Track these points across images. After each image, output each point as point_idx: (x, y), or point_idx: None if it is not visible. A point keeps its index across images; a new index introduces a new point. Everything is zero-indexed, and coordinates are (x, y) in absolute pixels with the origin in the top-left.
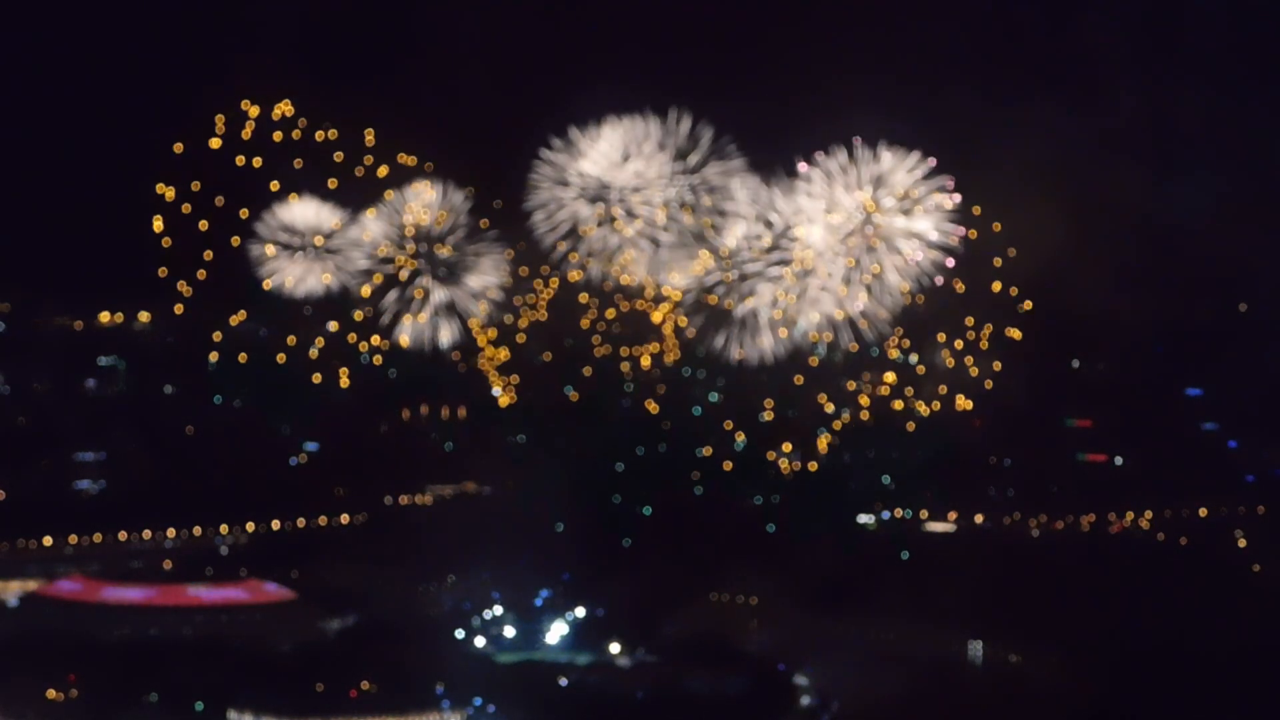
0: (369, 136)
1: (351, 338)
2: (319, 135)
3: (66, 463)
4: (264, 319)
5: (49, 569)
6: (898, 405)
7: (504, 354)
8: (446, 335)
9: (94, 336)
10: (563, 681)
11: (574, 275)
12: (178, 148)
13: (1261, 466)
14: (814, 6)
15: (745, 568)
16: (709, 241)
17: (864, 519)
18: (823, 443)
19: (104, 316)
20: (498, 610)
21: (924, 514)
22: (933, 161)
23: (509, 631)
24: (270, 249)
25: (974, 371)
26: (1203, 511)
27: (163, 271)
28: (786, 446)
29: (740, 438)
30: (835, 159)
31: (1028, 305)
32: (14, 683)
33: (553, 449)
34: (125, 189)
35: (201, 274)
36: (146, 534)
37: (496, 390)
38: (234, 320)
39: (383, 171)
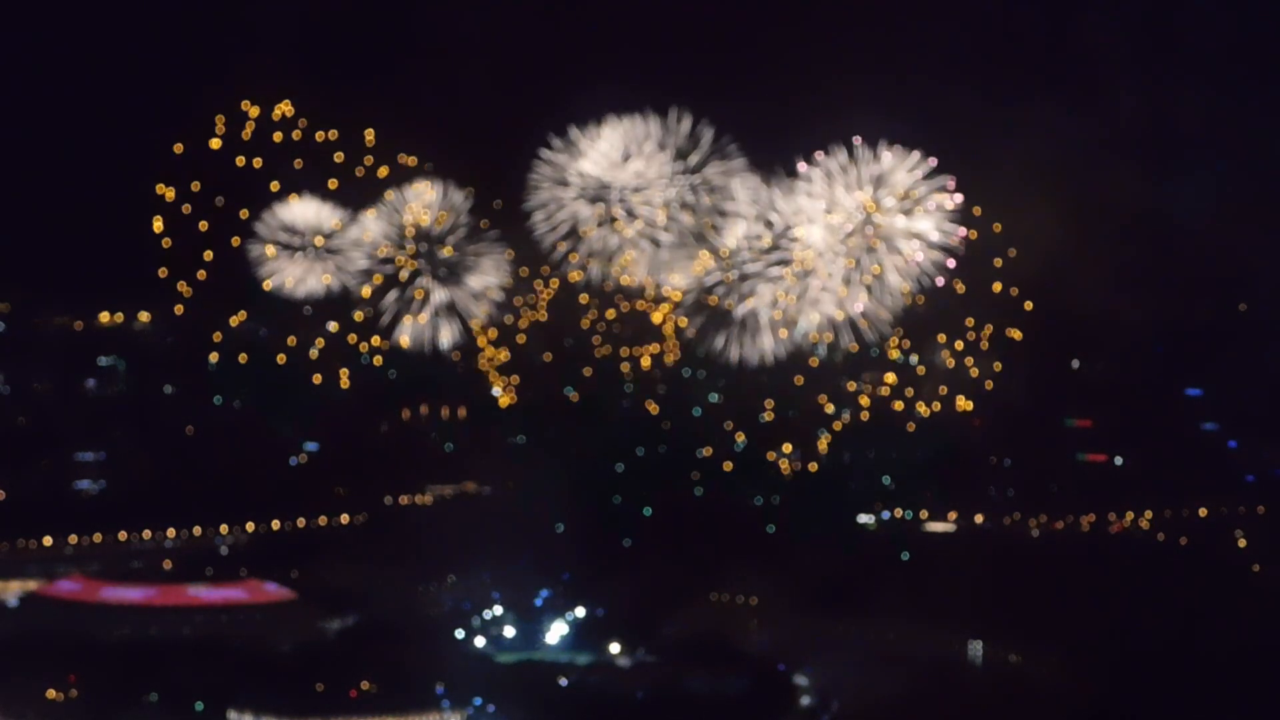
0: (369, 137)
1: (352, 338)
2: (319, 136)
3: (66, 463)
4: (264, 319)
5: (49, 569)
6: (898, 406)
7: (504, 354)
8: (447, 336)
9: (94, 336)
10: (563, 681)
11: (574, 276)
12: (178, 148)
13: (1261, 466)
14: (814, 6)
15: (745, 568)
16: (709, 242)
17: (864, 519)
18: (823, 443)
19: (104, 316)
20: (498, 610)
21: (924, 514)
22: (934, 161)
23: (509, 631)
24: (270, 249)
25: (974, 372)
26: (1203, 511)
27: (163, 272)
28: (787, 447)
29: (740, 438)
30: (835, 159)
31: (1028, 306)
32: (14, 683)
33: (553, 449)
34: (125, 189)
35: (202, 274)
36: (146, 534)
37: (497, 390)
38: (234, 321)
39: (383, 172)
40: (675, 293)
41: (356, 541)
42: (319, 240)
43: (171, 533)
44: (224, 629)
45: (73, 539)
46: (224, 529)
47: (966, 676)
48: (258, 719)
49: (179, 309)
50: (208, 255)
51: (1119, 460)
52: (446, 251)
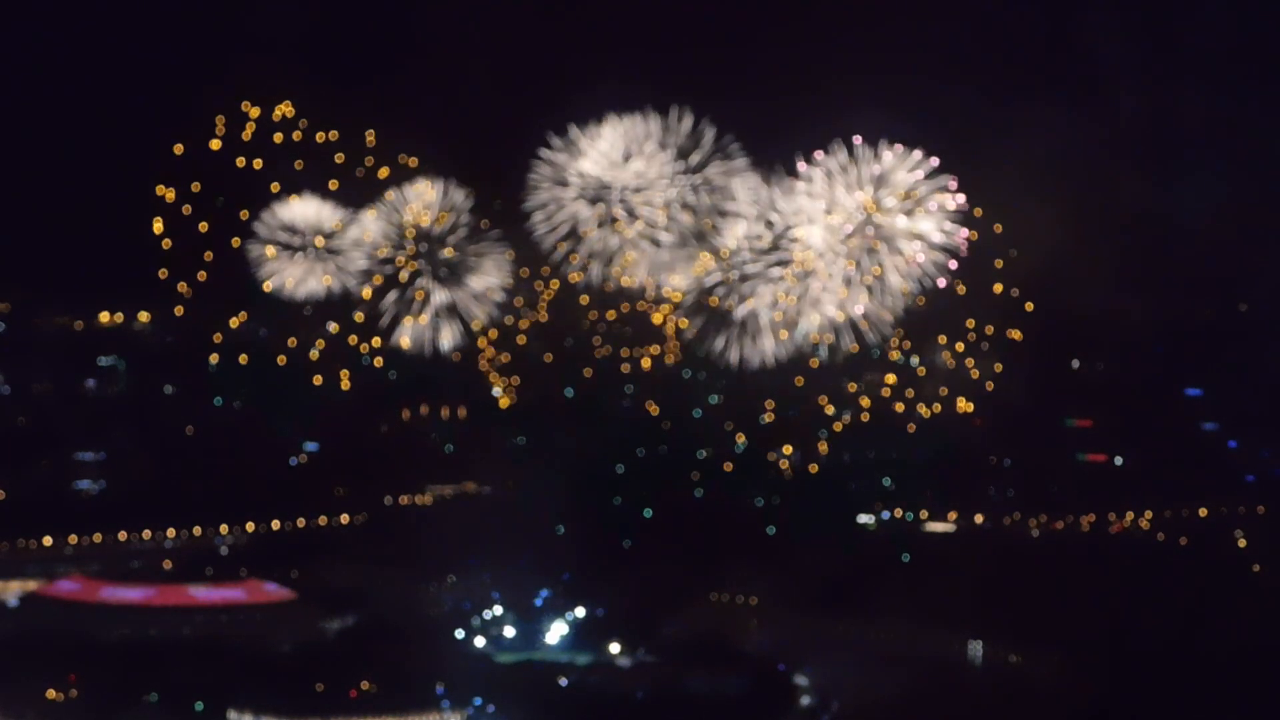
0: (369, 137)
1: (352, 339)
2: (319, 136)
3: (66, 463)
4: (264, 320)
5: (49, 569)
6: (899, 408)
7: (504, 355)
8: (447, 337)
9: (94, 336)
10: (563, 681)
11: (574, 276)
12: (178, 149)
13: (1261, 466)
14: (815, 5)
15: (745, 568)
16: (709, 242)
17: (864, 519)
18: (823, 444)
19: (104, 316)
20: (498, 610)
21: (924, 514)
22: (935, 161)
23: (509, 631)
24: (271, 250)
25: (975, 374)
26: (1203, 511)
27: (163, 273)
28: (787, 448)
29: (740, 439)
30: (836, 158)
31: (1029, 306)
32: (14, 683)
33: (553, 450)
34: (125, 189)
35: (202, 275)
36: (146, 534)
37: (497, 391)
38: (234, 323)
39: (384, 173)
40: (675, 293)
41: (356, 541)
42: (319, 241)
43: (171, 533)
44: (224, 629)
45: (73, 539)
46: (224, 529)
47: (966, 676)
48: (258, 719)
49: (179, 310)
50: (208, 256)
51: (1119, 460)
52: (447, 252)
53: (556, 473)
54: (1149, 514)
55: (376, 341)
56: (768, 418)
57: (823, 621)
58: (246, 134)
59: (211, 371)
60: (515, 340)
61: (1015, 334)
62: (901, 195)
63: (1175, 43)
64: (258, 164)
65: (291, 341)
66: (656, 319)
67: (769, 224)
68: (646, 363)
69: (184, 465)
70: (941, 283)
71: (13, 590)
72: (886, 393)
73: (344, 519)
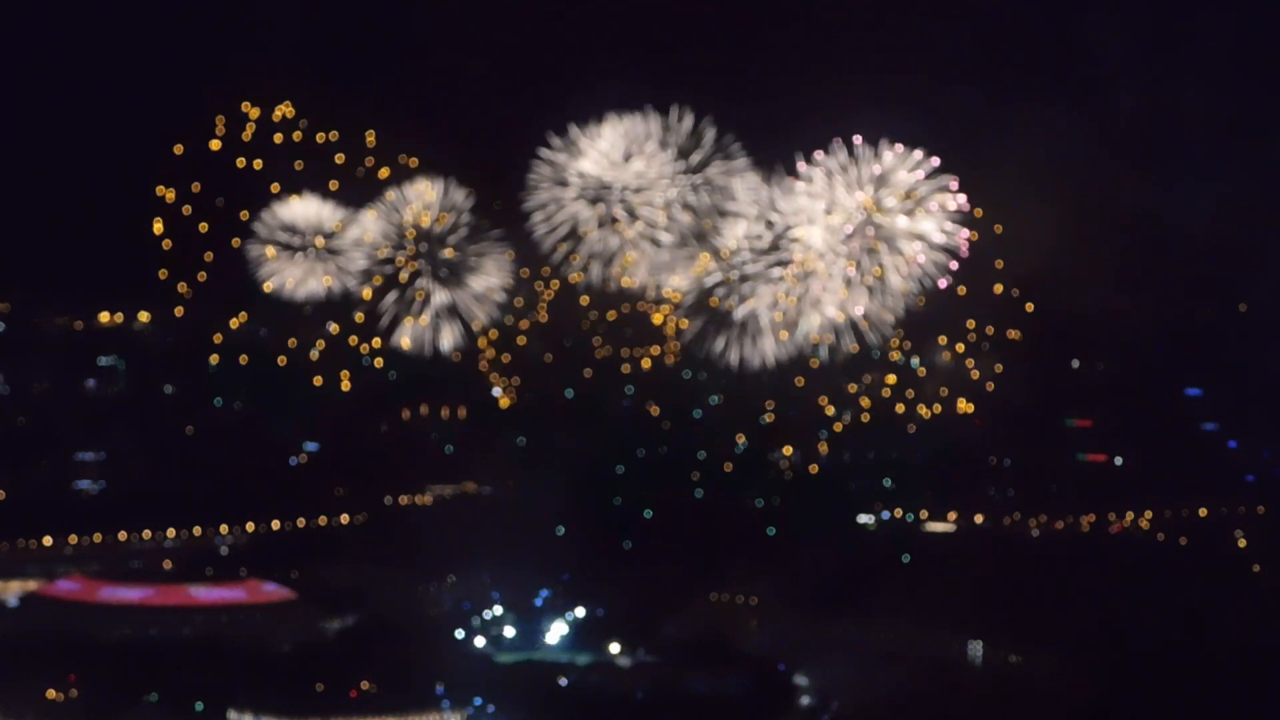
0: (370, 138)
1: (353, 340)
2: (319, 137)
3: (66, 463)
4: (264, 320)
5: (49, 569)
6: (900, 409)
7: (505, 355)
8: (447, 337)
9: (94, 336)
10: (563, 681)
11: (575, 277)
12: (178, 149)
13: (1261, 466)
14: (816, 4)
15: (745, 568)
16: (710, 242)
17: (864, 519)
18: (823, 445)
19: (104, 316)
20: (498, 610)
21: (924, 514)
22: (936, 160)
23: (509, 631)
24: (271, 251)
25: (975, 374)
26: (1203, 511)
27: (163, 273)
28: (787, 449)
29: (741, 439)
30: (836, 158)
31: (1029, 307)
32: (14, 683)
33: (553, 450)
34: (126, 190)
35: (202, 276)
36: (146, 534)
37: (497, 391)
38: (234, 324)
39: (384, 173)
40: (675, 294)
41: (356, 541)
42: (320, 242)
43: (171, 533)
44: (224, 629)
45: (73, 539)
46: (224, 529)
47: (966, 676)
48: (258, 719)
49: (179, 310)
50: (208, 256)
51: (1119, 460)
52: (447, 253)
53: (556, 473)
54: (1149, 514)
55: (377, 342)
56: (768, 418)
57: (823, 621)
58: (247, 134)
59: (211, 372)
60: (515, 340)
61: (1015, 334)
62: (902, 195)
63: (1175, 43)
64: (258, 164)
65: (292, 342)
66: (656, 319)
67: (769, 224)
68: (646, 363)
69: (184, 465)
70: (943, 283)
71: (13, 590)
72: (887, 393)
73: (344, 519)
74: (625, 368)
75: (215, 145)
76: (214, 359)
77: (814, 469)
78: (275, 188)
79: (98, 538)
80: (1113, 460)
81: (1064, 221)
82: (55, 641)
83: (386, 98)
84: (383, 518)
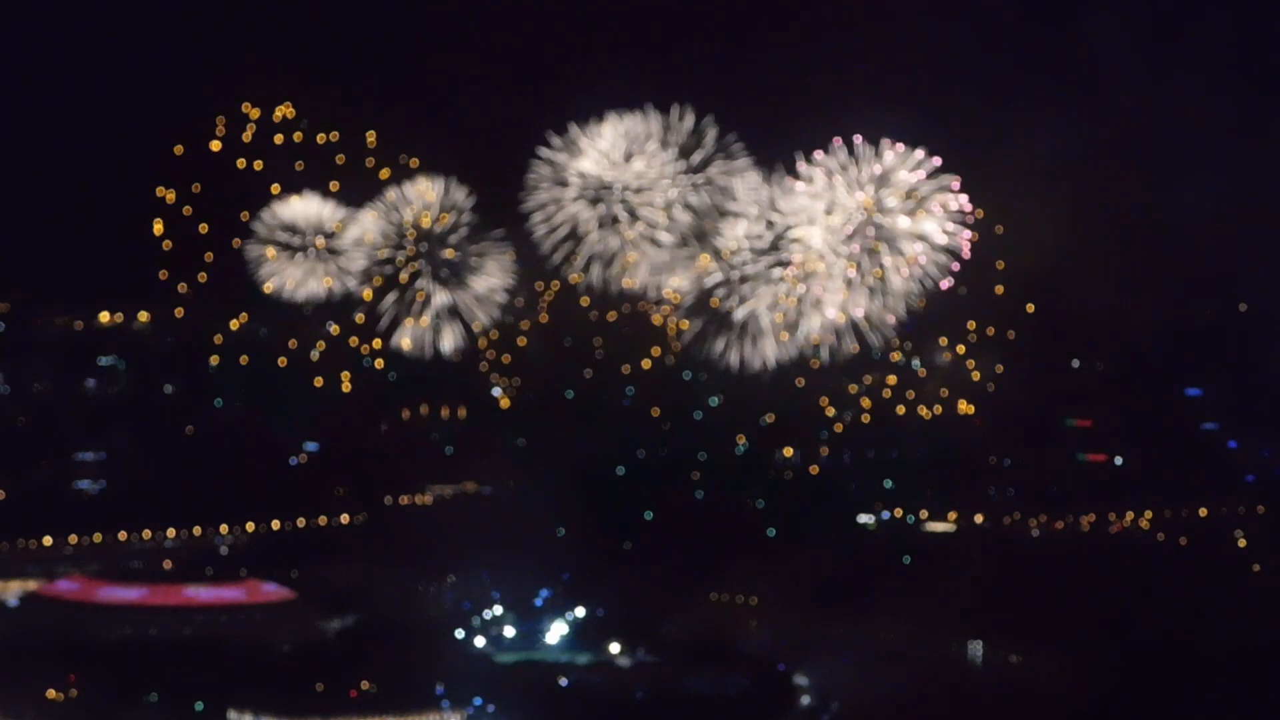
0: (370, 138)
1: (353, 340)
2: (320, 137)
3: (66, 463)
4: (265, 321)
5: (49, 569)
6: (900, 410)
7: (505, 355)
8: (448, 338)
9: (94, 336)
10: (563, 681)
11: (575, 277)
12: (178, 149)
13: (1261, 466)
14: (816, 5)
15: (745, 568)
16: (710, 243)
17: (864, 519)
18: (823, 446)
19: (104, 316)
20: (498, 610)
21: (924, 514)
22: (937, 160)
23: (509, 631)
24: (271, 252)
25: (975, 376)
26: (1203, 511)
27: (163, 274)
28: (788, 451)
29: (741, 440)
30: (836, 157)
31: (1030, 308)
32: (14, 683)
33: (553, 451)
34: (126, 190)
35: (202, 276)
36: (146, 534)
37: (497, 391)
38: (234, 325)
39: (384, 173)
40: (676, 294)
41: (356, 541)
42: (320, 242)
43: (171, 533)
44: (223, 629)
45: (73, 539)
46: (224, 529)
47: (966, 676)
48: (257, 719)
49: (179, 311)
50: (208, 257)
51: (1119, 460)
52: (448, 253)
53: (556, 473)
54: (1149, 514)
55: (377, 343)
56: (768, 419)
57: (823, 621)
58: (247, 135)
59: (212, 372)
60: (516, 341)
61: (1015, 334)
62: (903, 195)
63: (1175, 43)
64: (258, 165)
65: (292, 343)
66: (657, 320)
67: (769, 224)
68: (647, 364)
69: (184, 465)
70: (945, 284)
71: (13, 590)
72: (887, 394)
73: (344, 519)
74: (625, 368)
75: (216, 146)
76: (214, 359)
77: (814, 469)
78: (275, 188)
79: (98, 538)
80: (1113, 460)
81: (1064, 222)
82: (55, 641)
83: (386, 98)
84: (383, 518)
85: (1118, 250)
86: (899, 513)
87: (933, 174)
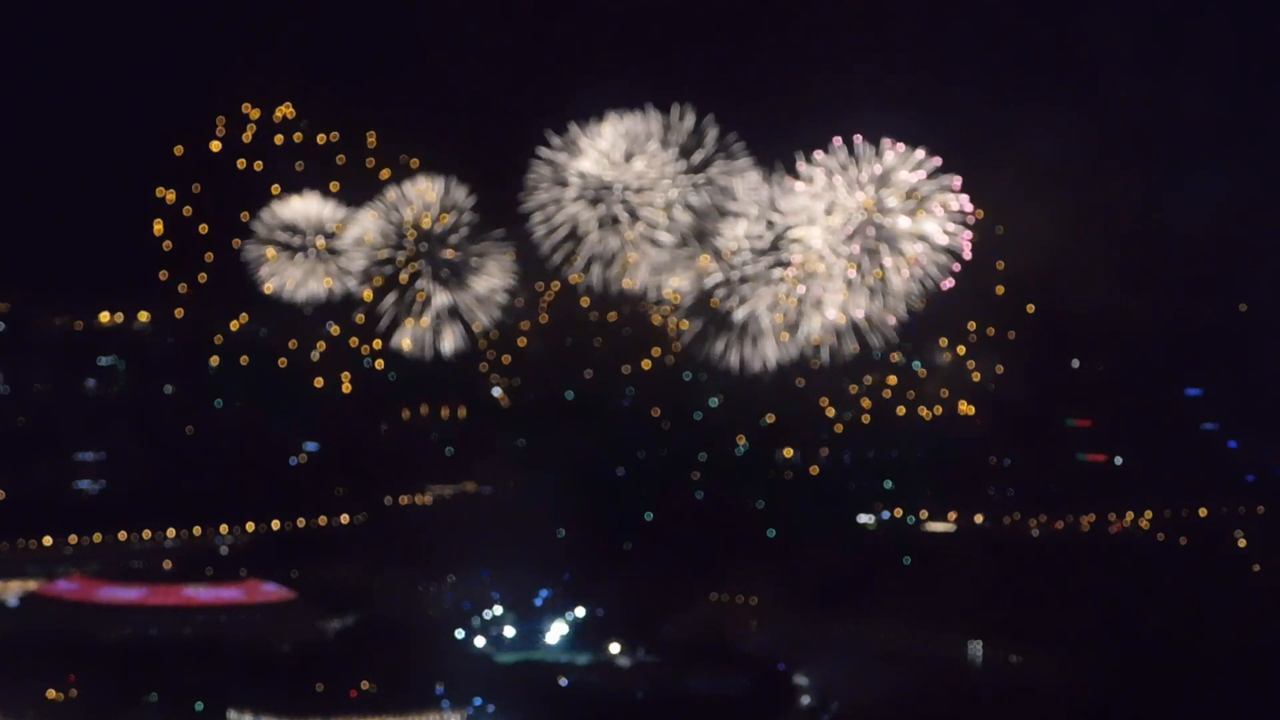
0: (370, 139)
1: (353, 341)
2: (320, 138)
3: (66, 463)
4: (265, 321)
5: (49, 569)
6: (900, 411)
7: (505, 356)
8: (448, 339)
9: (94, 336)
10: (563, 681)
11: (575, 278)
12: (179, 150)
13: (1261, 466)
14: (816, 3)
15: (745, 568)
16: (710, 243)
17: (864, 519)
18: (824, 446)
19: (104, 316)
20: (498, 610)
21: (924, 514)
22: (938, 160)
23: (509, 631)
24: (271, 252)
25: (976, 377)
26: (1203, 511)
27: (164, 274)
28: (788, 451)
29: (741, 441)
30: (837, 157)
31: (1030, 309)
32: (14, 683)
33: (553, 451)
34: (126, 190)
35: (202, 277)
36: (146, 534)
37: (497, 391)
38: (234, 326)
39: (385, 174)
40: (676, 295)
41: (356, 541)
42: (320, 243)
43: (171, 533)
44: (223, 629)
45: (73, 539)
46: (224, 529)
47: (966, 676)
48: (257, 719)
49: (179, 311)
50: (208, 257)
51: (1119, 460)
52: (448, 253)
53: (556, 474)
54: (1149, 514)
55: (377, 343)
56: (768, 419)
57: (823, 621)
58: (247, 135)
59: (212, 372)
60: (516, 341)
61: (1015, 335)
62: (903, 195)
63: (1175, 43)
64: (258, 166)
65: (292, 343)
66: (657, 320)
67: (770, 224)
68: (647, 364)
69: (184, 465)
70: (947, 284)
71: (13, 590)
72: (887, 394)
73: (344, 519)
74: (625, 369)
75: (216, 146)
76: (214, 360)
77: (814, 470)
78: (276, 189)
79: (98, 538)
80: (1113, 460)
81: (1064, 222)
82: (55, 641)
83: (386, 98)
84: (383, 518)
85: (1118, 250)
86: (899, 513)
87: (933, 174)
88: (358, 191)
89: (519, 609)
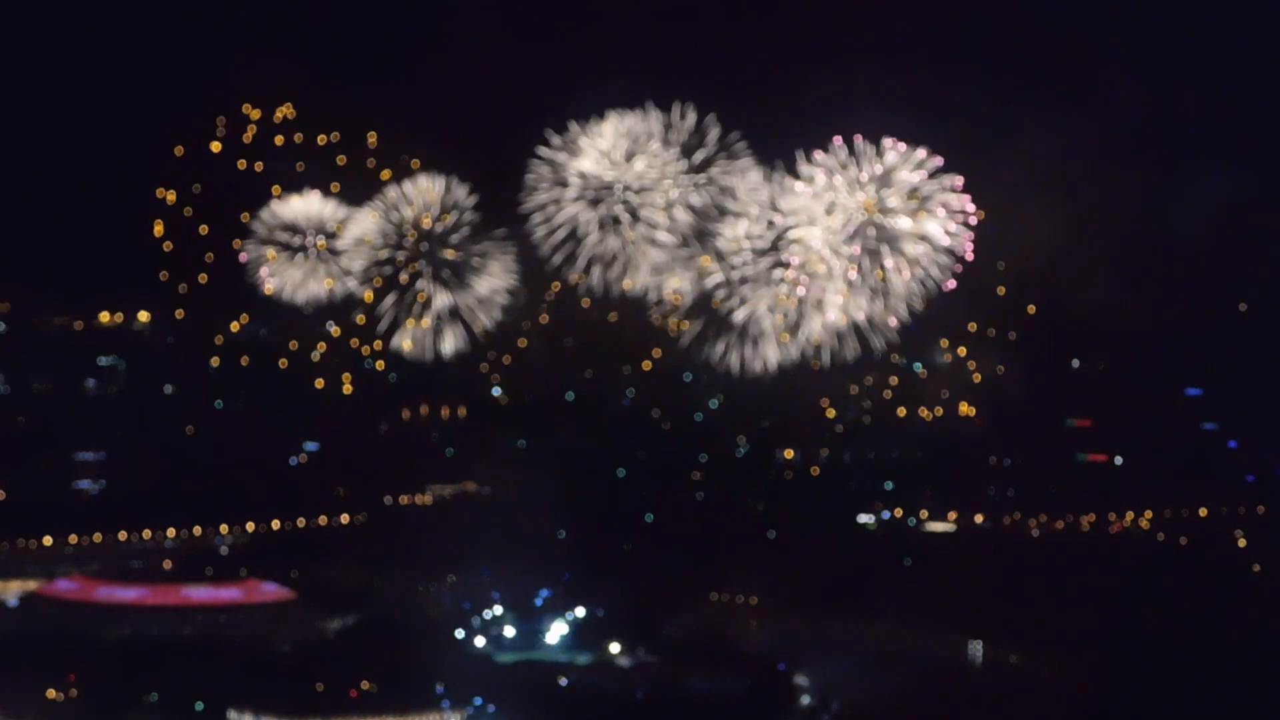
0: (371, 139)
1: (354, 342)
2: (320, 139)
3: (66, 463)
4: (265, 322)
5: (49, 569)
6: (901, 411)
7: (506, 356)
8: (449, 340)
9: (94, 336)
10: (563, 681)
11: (575, 278)
12: (179, 151)
13: (1261, 466)
14: (817, 5)
15: (745, 569)
16: (711, 243)
17: (864, 519)
18: (824, 447)
19: (104, 316)
20: (498, 610)
21: (924, 514)
22: (939, 160)
23: (509, 631)
24: (271, 253)
25: (976, 377)
26: (1203, 511)
27: (164, 275)
28: (789, 452)
29: (742, 441)
30: (837, 157)
31: (1031, 309)
32: (14, 683)
33: (553, 451)
34: (127, 191)
35: (202, 277)
36: (146, 534)
37: (497, 391)
38: (234, 327)
39: (386, 175)
40: (676, 295)
41: (356, 541)
42: (320, 244)
43: (171, 533)
44: (223, 629)
45: (73, 539)
46: (224, 529)
47: (966, 676)
48: (258, 719)
49: (180, 312)
50: (209, 258)
51: (1119, 460)
52: (449, 253)
53: (557, 474)
54: (1149, 514)
55: (378, 344)
56: (769, 421)
57: (823, 621)
58: (247, 136)
59: (212, 373)
60: (516, 341)
61: (1015, 335)
62: (905, 195)
63: (1176, 43)
64: (259, 166)
65: (293, 344)
66: (657, 321)
67: (770, 224)
68: (647, 365)
69: (184, 465)
70: (949, 285)
71: (13, 590)
72: (888, 395)
73: (344, 519)
74: (626, 369)
75: (216, 147)
76: (214, 360)
77: (815, 470)
78: (276, 190)
79: (98, 538)
80: (1113, 460)
81: (1064, 222)
82: (55, 641)
83: (387, 98)
84: (383, 518)
85: (1118, 250)
86: (899, 513)
87: (935, 174)
88: (358, 192)
89: (519, 609)
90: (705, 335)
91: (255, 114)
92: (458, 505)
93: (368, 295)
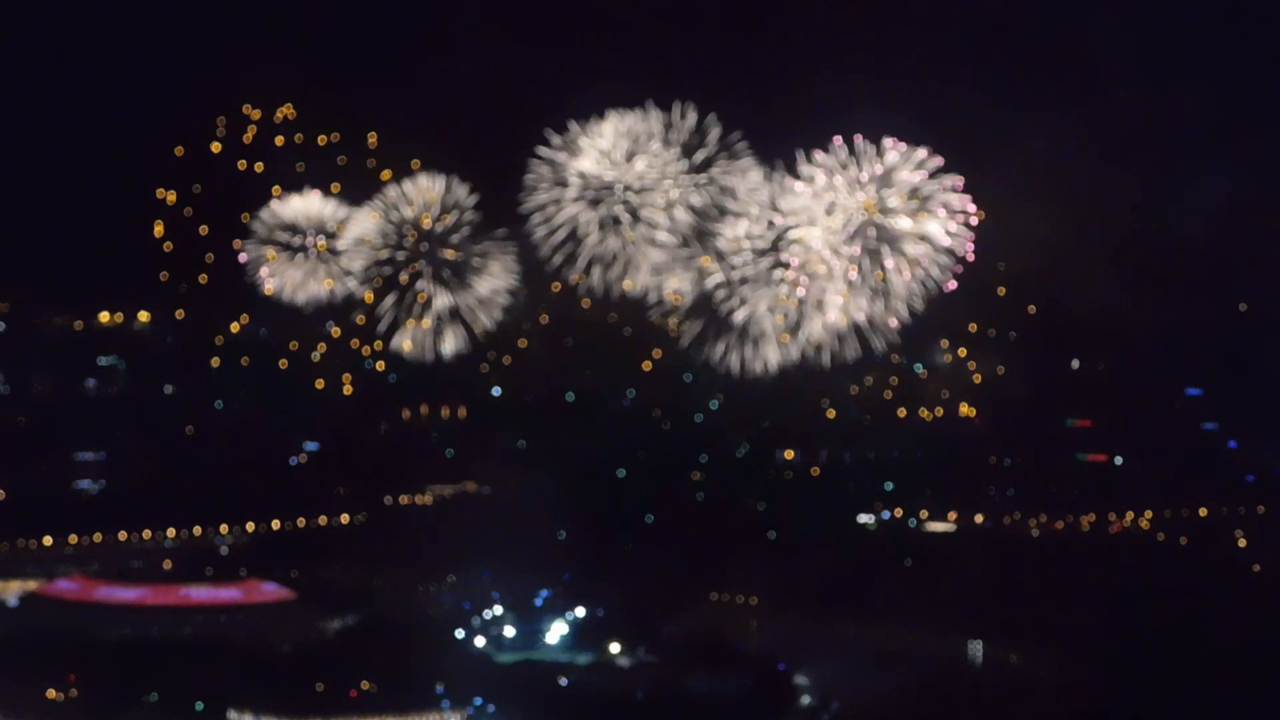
0: (371, 139)
1: (354, 342)
2: (321, 139)
3: (66, 463)
4: (265, 322)
5: (49, 569)
6: (901, 411)
7: (506, 356)
8: (449, 340)
9: (94, 336)
10: (563, 681)
11: (576, 278)
12: (179, 151)
13: (1261, 466)
14: (817, 4)
15: (745, 569)
16: (711, 244)
17: (864, 519)
18: (824, 447)
19: (104, 316)
20: (498, 610)
21: (924, 514)
22: (940, 160)
23: (509, 631)
24: (271, 254)
25: (976, 377)
26: (1203, 511)
27: (164, 275)
28: (789, 452)
29: (742, 441)
30: (837, 156)
31: (1031, 309)
32: (14, 683)
33: (553, 452)
34: (127, 191)
35: (203, 277)
36: (146, 534)
37: (497, 391)
38: (235, 327)
39: (386, 175)
40: (676, 296)
41: (356, 541)
42: (321, 244)
43: (171, 533)
44: (223, 629)
45: (73, 539)
46: (224, 529)
47: (966, 676)
48: (258, 719)
49: (180, 312)
50: (209, 258)
51: (1119, 460)
52: (450, 253)
53: (557, 474)
54: (1149, 514)
55: (378, 345)
56: (769, 421)
57: (823, 621)
58: (248, 136)
59: (212, 373)
60: (516, 341)
61: (1015, 334)
62: (905, 195)
63: (1176, 44)
64: (259, 166)
65: (293, 344)
66: (657, 321)
67: (770, 224)
68: (647, 365)
69: (184, 465)
70: (949, 285)
71: (13, 590)
72: (888, 395)
73: (344, 519)
74: (626, 369)
75: (216, 147)
76: (215, 360)
77: (815, 470)
78: (276, 190)
79: (98, 538)
80: (1113, 460)
81: (1065, 222)
82: (55, 641)
83: (387, 98)
84: (383, 518)
85: (1118, 250)
86: (899, 513)
87: (935, 174)
88: (359, 193)
89: (519, 609)
90: (705, 336)
91: (255, 114)
92: (458, 505)
93: (368, 295)
